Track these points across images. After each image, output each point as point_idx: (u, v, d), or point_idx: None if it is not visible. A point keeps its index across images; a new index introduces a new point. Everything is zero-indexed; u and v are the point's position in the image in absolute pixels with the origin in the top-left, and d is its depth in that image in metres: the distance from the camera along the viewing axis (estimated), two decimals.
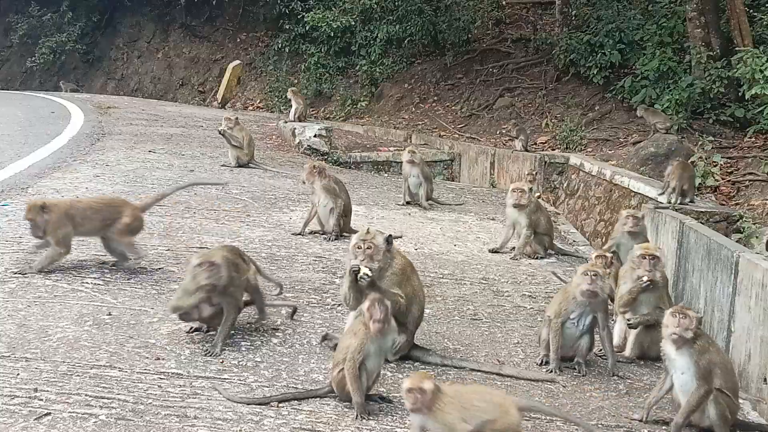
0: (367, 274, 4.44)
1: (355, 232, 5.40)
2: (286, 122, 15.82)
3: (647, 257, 5.12)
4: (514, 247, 7.70)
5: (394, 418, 3.97)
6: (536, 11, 20.96)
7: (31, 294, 5.20)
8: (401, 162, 14.19)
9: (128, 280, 5.66)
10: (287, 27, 23.23)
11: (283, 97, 22.14)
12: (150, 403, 3.85)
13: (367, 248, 4.50)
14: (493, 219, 9.57)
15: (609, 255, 6.21)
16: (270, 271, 6.20)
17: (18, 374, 4.02)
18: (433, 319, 5.54)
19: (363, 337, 3.91)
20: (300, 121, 15.65)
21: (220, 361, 4.42)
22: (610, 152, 14.25)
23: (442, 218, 9.25)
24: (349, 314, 4.61)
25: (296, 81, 22.42)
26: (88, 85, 27.23)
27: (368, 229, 4.71)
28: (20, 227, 6.77)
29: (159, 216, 7.65)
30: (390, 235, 4.66)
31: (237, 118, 11.50)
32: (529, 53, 19.23)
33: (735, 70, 12.70)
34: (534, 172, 11.01)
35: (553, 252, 7.96)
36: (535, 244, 7.71)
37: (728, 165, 12.23)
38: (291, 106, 16.21)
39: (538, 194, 9.52)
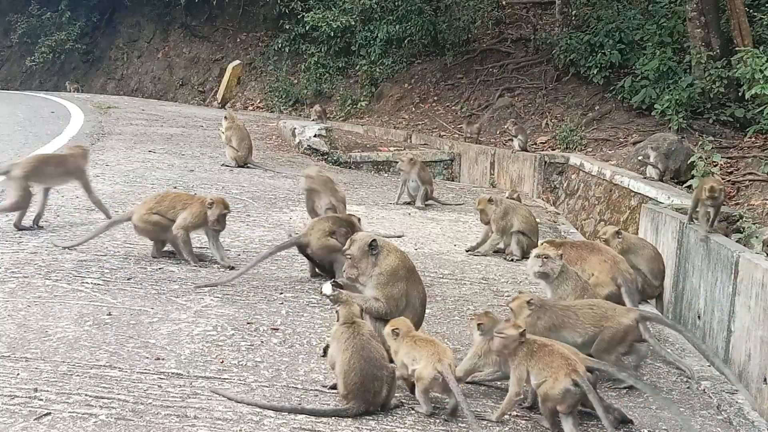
0: (326, 294, 4.67)
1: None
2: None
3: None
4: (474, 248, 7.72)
5: (394, 418, 3.97)
6: (536, 11, 20.96)
7: (31, 294, 5.20)
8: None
9: (128, 280, 5.66)
10: (287, 27, 23.23)
11: (283, 97, 22.19)
12: (150, 403, 3.84)
13: (348, 258, 4.64)
14: None
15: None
16: (270, 271, 6.22)
17: (18, 374, 4.02)
18: (433, 319, 5.54)
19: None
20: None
21: (220, 361, 4.42)
22: (610, 152, 14.25)
23: (442, 218, 9.25)
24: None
25: (296, 81, 22.44)
26: (88, 85, 27.24)
27: (352, 236, 4.85)
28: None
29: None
30: (374, 240, 4.64)
31: (231, 117, 11.47)
32: (529, 53, 19.22)
33: (735, 70, 12.70)
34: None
35: None
36: (513, 245, 7.60)
37: (728, 165, 12.24)
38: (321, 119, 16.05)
39: (516, 194, 9.26)
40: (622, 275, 5.80)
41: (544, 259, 5.05)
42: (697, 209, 8.02)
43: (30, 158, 7.19)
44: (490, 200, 7.65)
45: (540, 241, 8.05)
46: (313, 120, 16.35)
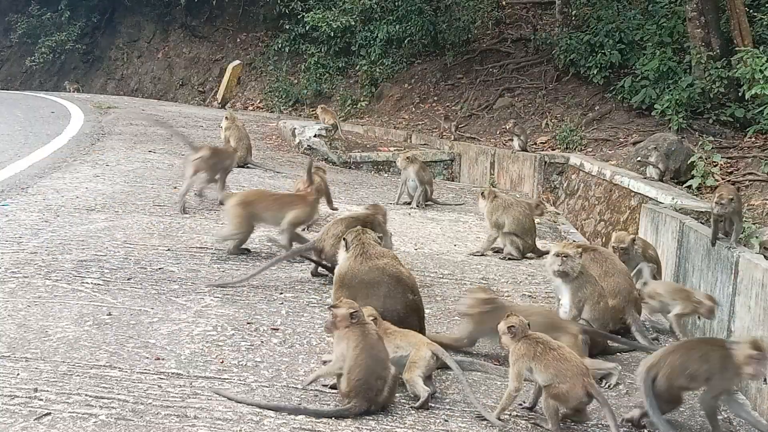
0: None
1: None
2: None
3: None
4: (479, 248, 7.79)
5: (394, 418, 3.97)
6: (536, 11, 20.97)
7: (31, 294, 5.20)
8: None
9: (128, 280, 5.66)
10: (287, 27, 23.24)
11: (283, 97, 22.20)
12: (150, 403, 3.85)
13: None
14: None
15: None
16: (270, 271, 6.20)
17: (18, 374, 4.02)
18: (433, 319, 5.54)
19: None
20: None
21: (220, 361, 4.42)
22: (610, 152, 14.25)
23: (442, 218, 9.25)
24: None
25: (296, 81, 22.45)
26: (88, 85, 27.23)
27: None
28: (20, 227, 6.78)
29: (159, 216, 7.66)
30: (344, 239, 5.05)
31: (231, 117, 11.42)
32: (529, 53, 19.23)
33: (735, 70, 12.71)
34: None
35: (534, 255, 7.61)
36: (508, 245, 7.56)
37: (728, 165, 12.25)
38: (323, 122, 14.98)
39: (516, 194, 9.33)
40: (632, 316, 5.58)
41: (564, 258, 4.98)
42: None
43: (208, 146, 8.54)
44: (482, 194, 7.73)
45: (544, 242, 8.07)
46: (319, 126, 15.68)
